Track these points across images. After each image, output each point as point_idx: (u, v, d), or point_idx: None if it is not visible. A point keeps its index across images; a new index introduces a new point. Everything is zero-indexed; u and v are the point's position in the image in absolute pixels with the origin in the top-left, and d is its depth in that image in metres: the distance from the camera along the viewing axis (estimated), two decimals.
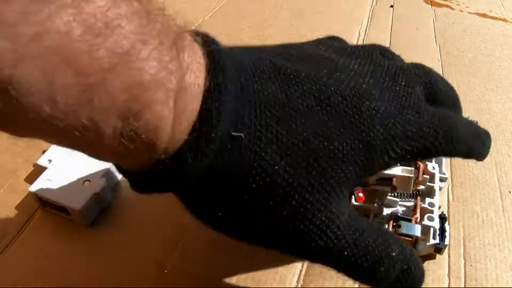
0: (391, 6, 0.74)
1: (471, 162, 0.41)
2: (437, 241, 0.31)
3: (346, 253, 0.20)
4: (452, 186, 0.38)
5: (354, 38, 0.63)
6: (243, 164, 0.18)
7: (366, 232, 0.21)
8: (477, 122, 0.25)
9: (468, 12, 0.74)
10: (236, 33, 0.64)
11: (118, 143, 0.16)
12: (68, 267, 0.31)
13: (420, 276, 0.22)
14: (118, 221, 0.34)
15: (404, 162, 0.24)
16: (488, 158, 0.41)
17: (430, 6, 0.75)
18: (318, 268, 0.31)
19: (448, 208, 0.36)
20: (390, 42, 0.62)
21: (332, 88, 0.20)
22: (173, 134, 0.17)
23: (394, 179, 0.31)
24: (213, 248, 0.32)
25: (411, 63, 0.25)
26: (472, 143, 0.24)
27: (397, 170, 0.32)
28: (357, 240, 0.20)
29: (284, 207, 0.19)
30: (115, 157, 0.18)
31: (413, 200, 0.34)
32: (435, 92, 0.24)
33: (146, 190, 0.20)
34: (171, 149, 0.17)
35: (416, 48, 0.61)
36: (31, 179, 0.34)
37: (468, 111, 0.48)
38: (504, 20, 0.72)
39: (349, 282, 0.30)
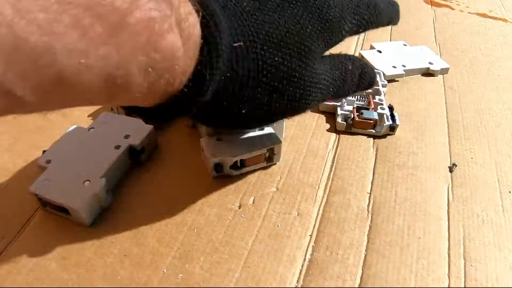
0: None
1: (471, 162, 0.41)
2: (390, 122, 0.43)
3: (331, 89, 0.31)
4: (452, 186, 0.38)
5: (354, 38, 0.63)
6: (250, 64, 0.25)
7: (335, 69, 0.31)
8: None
9: (468, 12, 0.74)
10: None
11: (144, 79, 0.19)
12: (68, 267, 0.31)
13: (373, 73, 0.35)
14: (118, 221, 0.34)
15: (352, 35, 0.32)
16: (488, 158, 0.42)
17: (430, 6, 0.75)
18: (318, 268, 0.31)
19: (448, 208, 0.36)
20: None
21: None
22: (185, 59, 0.20)
23: None
24: (213, 248, 0.32)
25: None
26: (391, 14, 0.33)
27: None
28: (333, 76, 0.31)
29: (287, 82, 0.27)
30: (141, 95, 0.20)
31: (366, 100, 0.47)
32: None
33: (171, 117, 0.25)
34: (187, 73, 0.21)
35: None
36: (31, 179, 0.34)
37: (468, 111, 0.48)
38: (504, 20, 0.72)
39: (349, 282, 0.30)
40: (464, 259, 0.32)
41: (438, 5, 0.76)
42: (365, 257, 0.32)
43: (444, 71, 0.55)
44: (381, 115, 0.43)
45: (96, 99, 0.19)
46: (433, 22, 0.69)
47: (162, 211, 0.35)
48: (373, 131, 0.43)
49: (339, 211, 0.35)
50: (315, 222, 0.34)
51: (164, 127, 0.44)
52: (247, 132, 0.39)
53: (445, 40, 0.64)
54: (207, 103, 0.25)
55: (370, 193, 0.37)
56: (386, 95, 0.50)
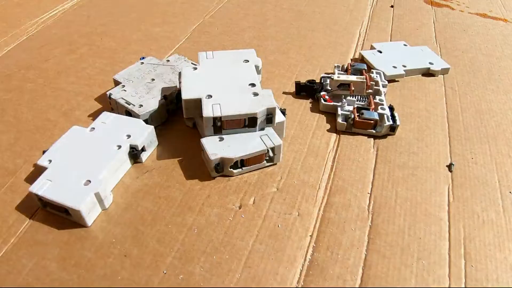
0: (391, 6, 0.74)
1: (471, 162, 0.41)
2: (390, 122, 0.43)
3: None
4: (452, 187, 0.38)
5: (354, 38, 0.63)
6: None
7: None
8: None
9: (469, 13, 0.74)
10: (236, 33, 0.64)
11: None
12: (68, 268, 0.31)
13: None
14: (118, 221, 0.34)
15: None
16: (488, 158, 0.42)
17: (430, 6, 0.75)
18: (318, 268, 0.31)
19: (449, 208, 0.36)
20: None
21: None
22: None
23: (351, 84, 0.47)
24: (213, 248, 0.32)
25: None
26: None
27: (353, 78, 0.47)
28: None
29: None
30: None
31: (366, 100, 0.47)
32: None
33: None
34: None
35: None
36: (31, 179, 0.34)
37: (469, 111, 0.48)
38: (505, 20, 0.72)
39: (350, 282, 0.30)
40: (465, 259, 0.32)
41: (439, 5, 0.76)
42: (365, 258, 0.32)
43: (444, 71, 0.55)
44: (381, 115, 0.43)
45: None
46: (434, 22, 0.69)
47: (162, 212, 0.35)
48: (374, 131, 0.43)
49: (339, 212, 0.35)
50: (316, 223, 0.34)
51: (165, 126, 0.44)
52: (248, 132, 0.39)
53: (445, 40, 0.64)
54: None
55: (370, 193, 0.37)
56: (387, 95, 0.50)
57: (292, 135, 0.43)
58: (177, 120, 0.45)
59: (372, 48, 0.58)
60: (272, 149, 0.38)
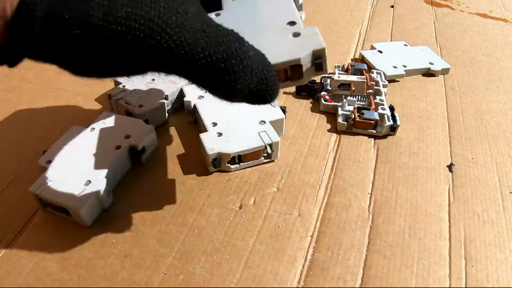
0: (392, 6, 0.74)
1: (472, 163, 0.41)
2: (391, 122, 0.43)
3: (201, 51, 0.20)
4: (452, 187, 0.38)
5: (354, 38, 0.63)
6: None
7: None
8: None
9: (469, 13, 0.74)
10: None
11: None
12: (68, 268, 0.31)
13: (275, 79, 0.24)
14: (118, 221, 0.34)
15: None
16: (488, 158, 0.42)
17: (430, 6, 0.75)
18: (319, 268, 0.31)
19: (449, 208, 0.36)
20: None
21: None
22: None
23: (352, 84, 0.47)
24: (214, 249, 0.32)
25: None
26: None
27: (353, 78, 0.47)
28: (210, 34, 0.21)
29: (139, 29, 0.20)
30: None
31: (366, 100, 0.46)
32: None
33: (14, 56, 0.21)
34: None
35: None
36: (31, 179, 0.34)
37: (469, 111, 0.48)
38: (505, 20, 0.72)
39: (350, 282, 0.30)
40: (465, 259, 0.32)
41: (439, 5, 0.76)
42: (366, 258, 0.32)
43: (444, 71, 0.55)
44: (382, 116, 0.43)
45: None
46: (434, 22, 0.69)
47: (163, 212, 0.35)
48: (374, 131, 0.43)
49: (340, 212, 0.35)
50: (316, 223, 0.34)
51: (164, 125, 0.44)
52: (246, 128, 0.39)
53: (445, 40, 0.64)
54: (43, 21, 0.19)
55: (371, 194, 0.37)
56: (387, 95, 0.50)
57: (293, 135, 0.43)
58: (177, 120, 0.45)
59: (372, 48, 0.58)
60: (270, 145, 0.38)
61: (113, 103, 0.45)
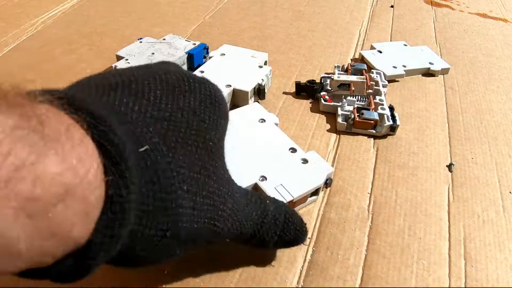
0: (391, 6, 0.74)
1: (472, 163, 0.41)
2: (390, 122, 0.42)
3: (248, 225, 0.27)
4: (452, 187, 0.38)
5: (354, 38, 0.63)
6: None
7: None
8: None
9: (469, 13, 0.74)
10: (236, 33, 0.64)
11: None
12: None
13: (302, 225, 0.29)
14: None
15: None
16: (488, 158, 0.42)
17: (430, 6, 0.75)
18: (318, 268, 0.31)
19: (449, 208, 0.36)
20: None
21: None
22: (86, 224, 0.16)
23: (352, 84, 0.47)
24: (213, 248, 0.32)
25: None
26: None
27: (353, 78, 0.47)
28: (249, 210, 0.27)
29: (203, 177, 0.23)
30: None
31: (366, 100, 0.47)
32: None
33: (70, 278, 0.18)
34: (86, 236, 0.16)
35: None
36: None
37: (469, 111, 0.48)
38: (505, 20, 0.72)
39: (350, 282, 0.30)
40: (465, 259, 0.32)
41: (439, 5, 0.76)
42: (365, 258, 0.32)
43: (444, 71, 0.55)
44: (381, 116, 0.43)
45: None
46: (434, 22, 0.69)
47: None
48: (374, 131, 0.43)
49: (339, 212, 0.35)
50: (316, 223, 0.34)
51: None
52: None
53: (445, 40, 0.64)
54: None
55: (370, 194, 0.37)
56: (387, 95, 0.50)
57: (292, 135, 0.43)
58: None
59: (372, 48, 0.58)
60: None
61: None
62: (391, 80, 0.52)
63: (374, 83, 0.48)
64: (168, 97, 0.22)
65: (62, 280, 0.18)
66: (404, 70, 0.53)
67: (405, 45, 0.59)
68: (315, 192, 0.35)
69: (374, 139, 0.43)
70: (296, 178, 0.34)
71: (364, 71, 0.50)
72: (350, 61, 0.57)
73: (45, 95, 0.16)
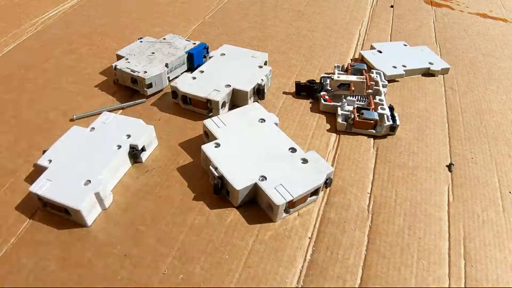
0: (391, 6, 0.74)
1: (471, 163, 0.41)
2: (390, 122, 0.42)
3: None
4: (452, 187, 0.38)
5: (354, 38, 0.63)
6: None
7: None
8: None
9: (469, 13, 0.74)
10: (236, 33, 0.64)
11: None
12: (68, 267, 0.31)
13: None
14: (118, 221, 0.34)
15: None
16: (488, 158, 0.42)
17: (430, 6, 0.75)
18: (318, 268, 0.31)
19: (449, 208, 0.36)
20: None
21: None
22: None
23: (352, 84, 0.47)
24: (213, 248, 0.32)
25: None
26: None
27: (353, 78, 0.47)
28: None
29: None
30: None
31: (366, 100, 0.46)
32: None
33: None
34: None
35: None
36: (31, 179, 0.34)
37: (469, 111, 0.48)
38: (505, 20, 0.72)
39: (350, 282, 0.30)
40: (465, 259, 0.32)
41: (439, 5, 0.76)
42: (365, 258, 0.32)
43: (444, 71, 0.55)
44: (381, 115, 0.43)
45: None
46: (434, 22, 0.69)
47: (162, 211, 0.35)
48: (374, 131, 0.43)
49: (339, 212, 0.35)
50: (316, 223, 0.34)
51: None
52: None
53: (445, 40, 0.64)
54: None
55: (370, 193, 0.37)
56: (387, 95, 0.50)
57: (292, 135, 0.43)
58: (177, 118, 0.45)
59: (372, 48, 0.58)
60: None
61: (118, 73, 0.49)
62: (391, 80, 0.52)
63: (374, 83, 0.48)
64: None
65: None
66: (404, 70, 0.53)
67: (405, 45, 0.59)
68: (315, 192, 0.35)
69: (374, 139, 0.43)
70: (296, 178, 0.34)
71: (364, 71, 0.50)
72: (350, 61, 0.57)
73: None
